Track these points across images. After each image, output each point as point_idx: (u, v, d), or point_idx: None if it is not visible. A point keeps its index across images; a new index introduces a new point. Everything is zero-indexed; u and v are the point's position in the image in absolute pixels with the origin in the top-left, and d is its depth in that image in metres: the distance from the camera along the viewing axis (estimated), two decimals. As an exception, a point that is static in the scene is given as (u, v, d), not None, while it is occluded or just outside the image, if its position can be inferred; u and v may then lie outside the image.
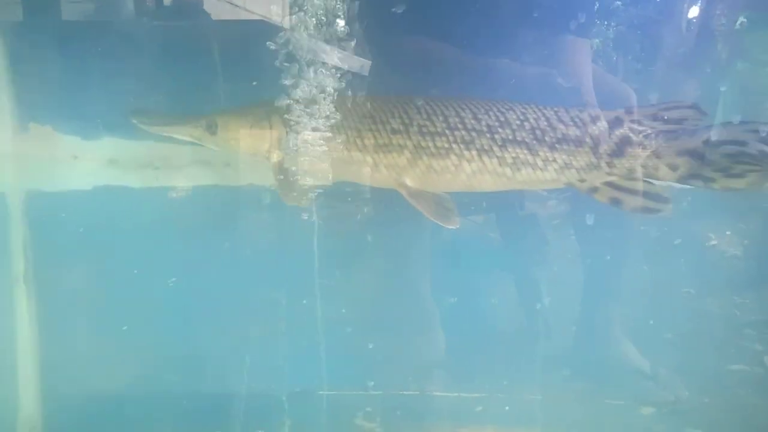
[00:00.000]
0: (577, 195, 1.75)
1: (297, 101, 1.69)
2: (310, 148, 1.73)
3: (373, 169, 1.71)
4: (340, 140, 1.71)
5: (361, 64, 1.90)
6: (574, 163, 1.67)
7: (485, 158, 1.66)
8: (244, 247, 2.04)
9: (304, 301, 2.01)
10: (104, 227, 1.97)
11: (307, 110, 1.70)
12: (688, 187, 1.67)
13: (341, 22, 1.66)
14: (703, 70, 1.98)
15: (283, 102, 1.70)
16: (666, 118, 1.66)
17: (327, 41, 1.67)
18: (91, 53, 1.93)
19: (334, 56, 1.71)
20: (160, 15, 2.09)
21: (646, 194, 1.65)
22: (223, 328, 2.04)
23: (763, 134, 1.58)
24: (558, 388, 2.08)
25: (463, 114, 1.67)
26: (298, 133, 1.73)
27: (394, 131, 1.68)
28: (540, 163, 1.67)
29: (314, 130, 1.73)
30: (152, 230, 1.99)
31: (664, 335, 2.07)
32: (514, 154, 1.66)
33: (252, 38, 1.87)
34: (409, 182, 1.70)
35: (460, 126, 1.66)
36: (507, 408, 2.05)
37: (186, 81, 1.98)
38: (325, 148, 1.72)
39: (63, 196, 1.95)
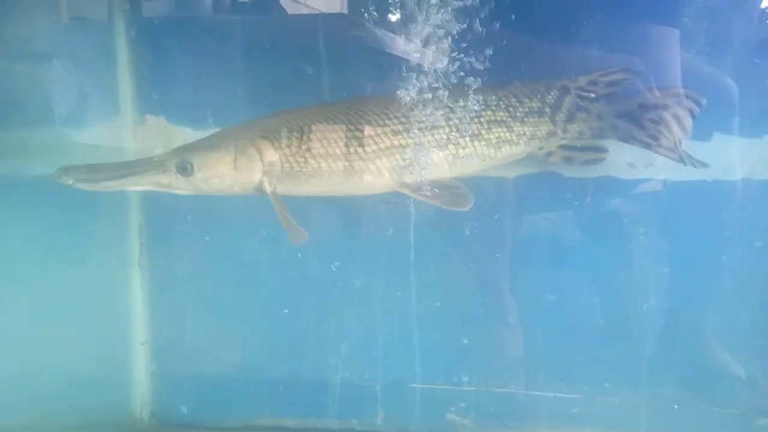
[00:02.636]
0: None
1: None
2: (310, 164, 1.66)
3: (376, 176, 1.68)
4: (340, 150, 1.66)
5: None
6: (538, 133, 1.77)
7: (476, 143, 1.72)
8: (341, 238, 2.06)
9: (399, 293, 2.02)
10: (209, 217, 2.05)
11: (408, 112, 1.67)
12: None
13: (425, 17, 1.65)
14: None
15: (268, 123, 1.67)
16: (603, 82, 1.74)
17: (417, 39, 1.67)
18: (198, 48, 2.00)
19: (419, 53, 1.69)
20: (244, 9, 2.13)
21: (590, 148, 1.80)
22: (320, 319, 2.08)
23: (682, 99, 1.71)
24: (662, 393, 1.98)
25: (450, 103, 1.70)
26: (294, 151, 1.65)
27: (396, 132, 1.67)
28: (515, 138, 1.75)
29: (312, 143, 1.65)
30: (251, 223, 2.04)
31: (755, 342, 1.95)
32: (497, 134, 1.73)
33: (332, 32, 1.89)
34: (409, 180, 1.70)
35: (452, 115, 1.70)
36: (607, 411, 1.99)
37: (278, 73, 1.97)
38: (324, 162, 1.66)
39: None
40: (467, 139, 1.71)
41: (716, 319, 1.99)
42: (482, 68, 1.66)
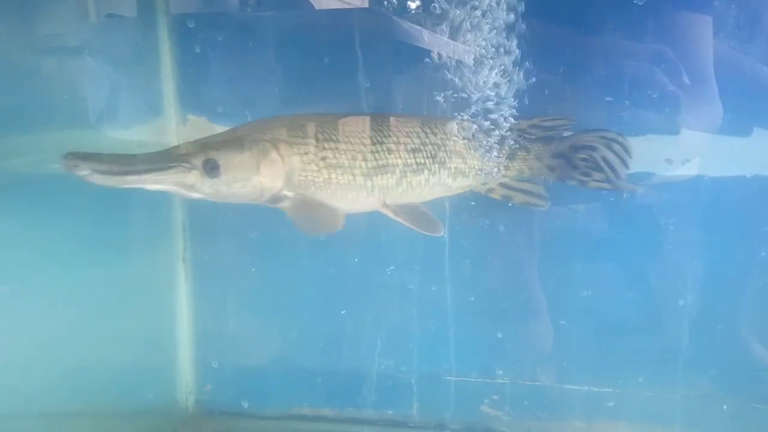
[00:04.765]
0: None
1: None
2: (322, 174, 1.60)
3: (369, 193, 1.66)
4: (348, 162, 1.63)
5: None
6: (485, 168, 1.81)
7: (442, 170, 1.75)
8: (376, 234, 2.10)
9: (434, 288, 2.06)
10: (249, 213, 2.10)
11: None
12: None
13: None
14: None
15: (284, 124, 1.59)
16: (543, 125, 1.81)
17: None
18: (236, 46, 2.02)
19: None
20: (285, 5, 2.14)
21: (530, 192, 1.84)
22: (357, 313, 2.13)
23: (608, 140, 1.80)
24: (697, 388, 1.99)
25: (426, 129, 1.74)
26: (311, 159, 1.58)
27: (390, 151, 1.67)
28: (467, 170, 1.79)
29: (327, 152, 1.59)
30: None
31: None
32: (455, 164, 1.76)
33: (354, 27, 1.91)
34: (389, 202, 1.71)
35: (428, 141, 1.73)
36: (641, 406, 2.00)
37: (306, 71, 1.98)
38: (334, 173, 1.61)
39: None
40: (436, 165, 1.74)
41: (754, 315, 1.98)
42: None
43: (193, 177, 1.46)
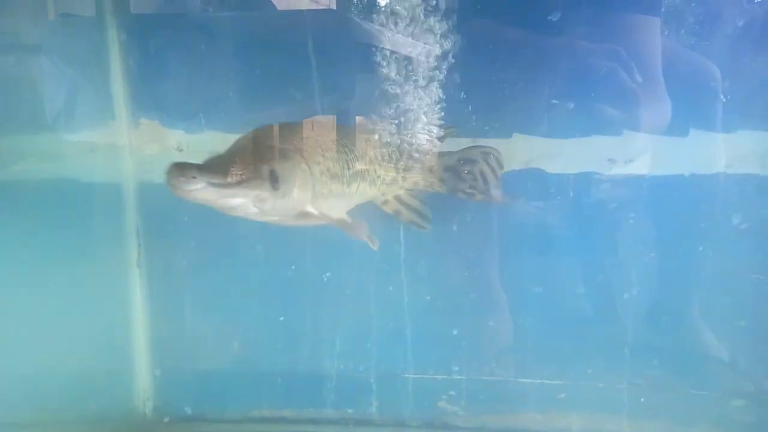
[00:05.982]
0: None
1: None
2: (325, 184, 1.57)
3: (347, 201, 1.69)
4: (340, 171, 1.64)
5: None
6: (386, 178, 1.82)
7: (374, 177, 1.79)
8: (333, 235, 2.12)
9: (391, 288, 2.09)
10: (204, 216, 2.09)
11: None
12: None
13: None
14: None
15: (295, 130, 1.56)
16: (432, 137, 1.83)
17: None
18: (189, 48, 2.00)
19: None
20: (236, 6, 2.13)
21: (417, 211, 1.89)
22: (315, 313, 2.14)
23: (487, 156, 1.88)
24: (642, 377, 2.07)
25: (362, 137, 1.77)
26: (322, 168, 1.57)
27: (357, 158, 1.71)
28: (375, 179, 1.80)
29: (328, 162, 1.58)
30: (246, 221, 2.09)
31: (737, 323, 2.02)
32: (372, 172, 1.78)
33: (319, 28, 1.91)
34: (348, 208, 1.74)
35: (370, 149, 1.77)
36: (591, 396, 2.07)
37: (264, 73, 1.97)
38: (332, 183, 1.60)
39: (170, 187, 2.07)
40: (372, 173, 1.78)
41: (697, 306, 2.07)
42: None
43: (266, 190, 1.34)
